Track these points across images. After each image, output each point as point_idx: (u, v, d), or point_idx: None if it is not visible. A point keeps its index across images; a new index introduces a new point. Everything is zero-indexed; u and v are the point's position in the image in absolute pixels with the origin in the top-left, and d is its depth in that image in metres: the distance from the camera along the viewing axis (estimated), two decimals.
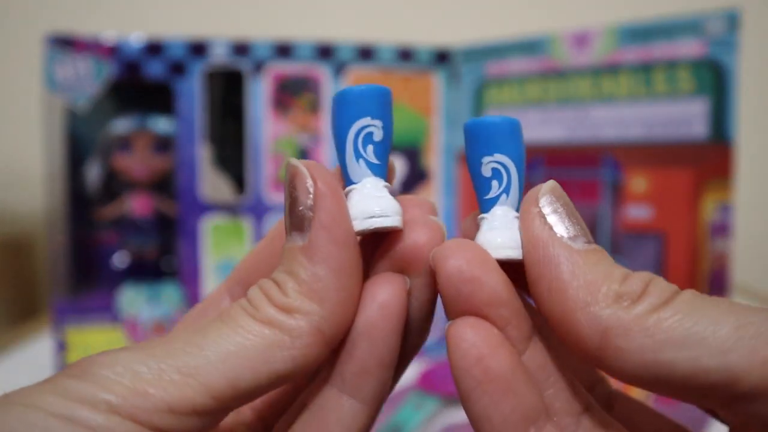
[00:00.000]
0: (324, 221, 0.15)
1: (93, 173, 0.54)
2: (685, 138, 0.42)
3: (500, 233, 0.16)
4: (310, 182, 0.15)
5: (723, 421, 0.16)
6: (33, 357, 0.51)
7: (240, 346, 0.14)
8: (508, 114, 0.49)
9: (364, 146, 0.16)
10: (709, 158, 0.41)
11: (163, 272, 0.54)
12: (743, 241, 0.77)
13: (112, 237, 0.55)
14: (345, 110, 0.16)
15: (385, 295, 0.15)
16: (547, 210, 0.15)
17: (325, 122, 0.50)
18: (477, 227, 0.17)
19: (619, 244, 0.44)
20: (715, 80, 0.40)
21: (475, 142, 0.16)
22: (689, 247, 0.42)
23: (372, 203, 0.15)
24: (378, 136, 0.16)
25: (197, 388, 0.13)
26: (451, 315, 0.15)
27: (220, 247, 0.49)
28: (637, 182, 0.43)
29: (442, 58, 0.51)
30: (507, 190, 0.16)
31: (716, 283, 0.41)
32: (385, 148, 0.17)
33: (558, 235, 0.15)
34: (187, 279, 0.49)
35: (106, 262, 0.55)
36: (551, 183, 0.16)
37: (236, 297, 0.19)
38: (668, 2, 0.67)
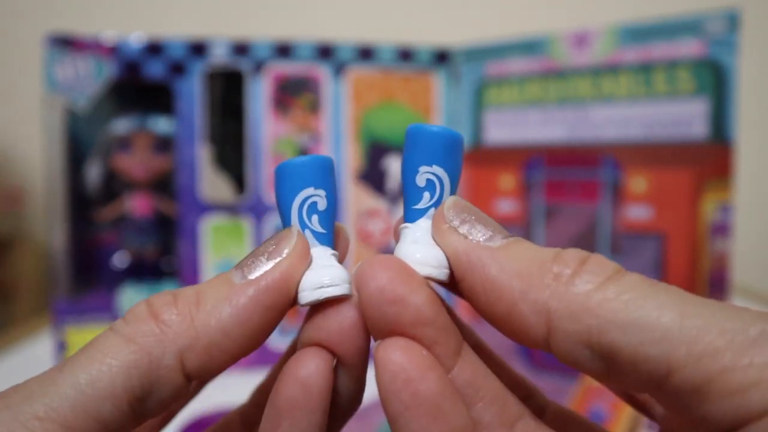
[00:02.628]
0: (269, 282, 0.15)
1: (93, 173, 0.54)
2: (685, 138, 0.42)
3: (422, 249, 0.15)
4: (288, 247, 0.15)
5: (658, 421, 0.15)
6: (33, 357, 0.51)
7: (97, 373, 0.13)
8: (508, 114, 0.49)
9: (309, 216, 0.16)
10: (709, 158, 0.41)
11: (163, 272, 0.54)
12: (743, 241, 0.77)
13: (112, 237, 0.55)
14: (287, 181, 0.16)
15: (305, 373, 0.14)
16: (456, 222, 0.15)
17: (325, 122, 0.50)
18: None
19: (619, 244, 0.44)
20: (715, 80, 0.40)
21: (415, 149, 0.16)
22: (689, 247, 0.42)
23: (321, 273, 0.15)
24: (322, 205, 0.16)
25: None
26: (377, 335, 0.15)
27: (220, 247, 0.49)
28: (637, 182, 0.43)
29: (442, 58, 0.51)
30: (437, 204, 0.16)
31: (716, 283, 0.41)
32: (330, 217, 0.16)
33: (475, 240, 0.15)
34: (187, 279, 0.49)
35: (106, 262, 0.55)
36: (452, 198, 0.16)
37: (248, 418, 0.18)
38: (668, 2, 0.67)
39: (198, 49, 0.48)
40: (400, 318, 0.14)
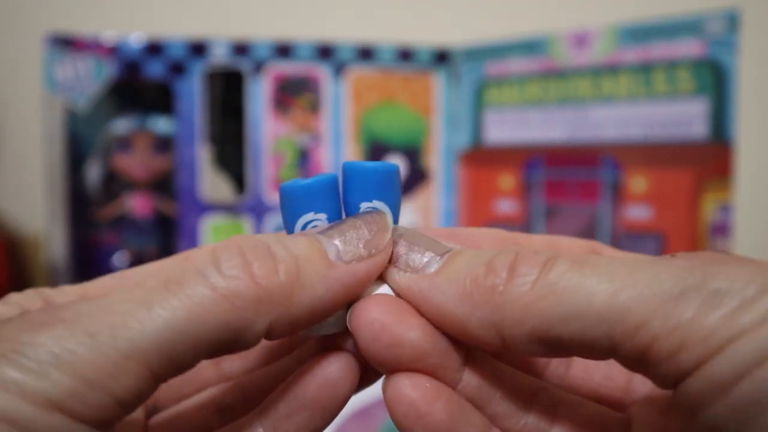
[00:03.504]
0: (363, 275, 0.15)
1: (93, 173, 0.54)
2: (685, 138, 0.42)
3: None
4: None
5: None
6: None
7: (187, 325, 0.12)
8: (508, 114, 0.49)
9: None
10: (709, 158, 0.41)
11: None
12: (743, 242, 0.77)
13: (113, 237, 0.55)
14: (288, 205, 0.16)
15: (336, 377, 0.15)
16: (393, 258, 0.15)
17: (325, 122, 0.50)
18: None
19: (619, 244, 0.44)
20: (715, 80, 0.40)
21: (354, 186, 0.16)
22: (689, 247, 0.42)
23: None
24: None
25: (141, 374, 0.12)
26: (381, 372, 0.15)
27: None
28: (637, 182, 0.44)
29: (442, 58, 0.51)
30: None
31: None
32: None
33: (414, 271, 0.15)
34: None
35: (106, 262, 0.55)
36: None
37: (224, 401, 0.18)
38: (668, 2, 0.67)
39: (198, 49, 0.48)
40: (400, 359, 0.14)
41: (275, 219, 0.49)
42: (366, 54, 0.50)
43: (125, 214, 0.53)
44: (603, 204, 0.45)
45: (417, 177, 0.52)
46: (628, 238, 0.44)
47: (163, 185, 0.54)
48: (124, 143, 0.52)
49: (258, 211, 0.49)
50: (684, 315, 0.12)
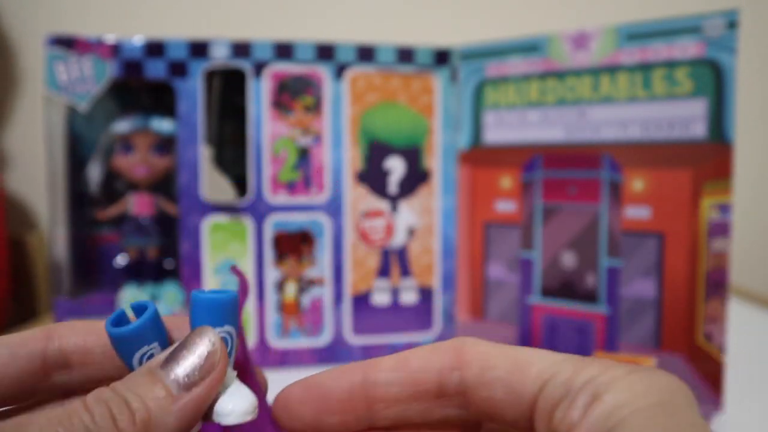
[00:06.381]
0: (203, 398, 0.17)
1: (95, 173, 0.54)
2: (684, 138, 0.42)
3: (231, 399, 0.18)
4: (215, 364, 0.18)
5: None
6: None
7: None
8: (507, 114, 0.49)
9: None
10: (708, 159, 0.41)
11: (164, 272, 0.54)
12: (741, 243, 0.77)
13: (113, 237, 0.55)
14: (120, 348, 0.18)
15: None
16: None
17: (325, 122, 0.50)
18: None
19: (618, 244, 0.45)
20: (714, 81, 0.41)
21: (204, 315, 0.18)
22: (688, 247, 0.42)
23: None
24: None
25: None
26: None
27: (221, 247, 0.49)
28: (636, 183, 0.44)
29: (442, 58, 0.51)
30: (230, 354, 0.19)
31: (715, 284, 0.42)
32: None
33: None
34: (188, 279, 0.49)
35: (107, 262, 0.55)
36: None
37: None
38: (667, 3, 0.67)
39: (198, 49, 0.48)
40: None
41: (276, 218, 0.50)
42: (366, 54, 0.50)
43: (126, 214, 0.54)
44: (602, 204, 0.45)
45: (417, 177, 0.52)
46: (627, 239, 0.44)
47: (164, 185, 0.54)
48: (125, 143, 0.52)
49: (259, 211, 0.49)
50: None
